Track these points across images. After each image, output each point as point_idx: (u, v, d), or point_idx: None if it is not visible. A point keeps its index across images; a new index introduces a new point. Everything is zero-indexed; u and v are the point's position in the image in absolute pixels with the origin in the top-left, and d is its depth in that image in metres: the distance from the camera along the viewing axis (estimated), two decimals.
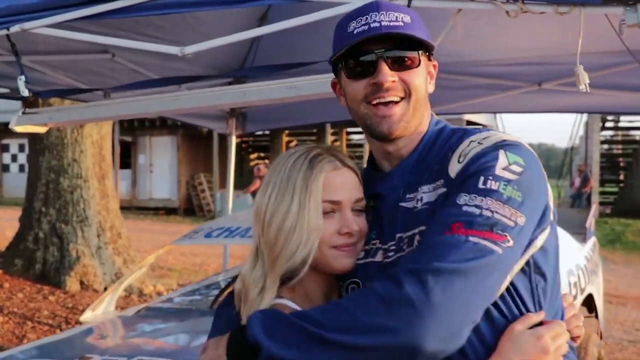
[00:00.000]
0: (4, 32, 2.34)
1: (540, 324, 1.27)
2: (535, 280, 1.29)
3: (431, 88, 1.44)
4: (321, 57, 2.13)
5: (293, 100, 2.77)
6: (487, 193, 1.22)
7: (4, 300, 6.88)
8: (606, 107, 5.41)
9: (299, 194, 1.30)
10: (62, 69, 3.72)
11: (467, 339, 1.18)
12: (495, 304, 1.24)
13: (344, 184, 1.35)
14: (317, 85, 2.53)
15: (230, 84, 4.34)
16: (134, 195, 21.44)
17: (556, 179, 20.40)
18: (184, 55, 2.36)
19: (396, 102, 1.35)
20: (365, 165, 1.54)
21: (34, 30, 2.32)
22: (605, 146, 22.08)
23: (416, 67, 1.36)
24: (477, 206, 1.20)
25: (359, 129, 19.11)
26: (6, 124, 4.33)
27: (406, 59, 1.35)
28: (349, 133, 22.06)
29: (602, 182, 20.91)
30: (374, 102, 1.35)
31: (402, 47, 1.34)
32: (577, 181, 19.20)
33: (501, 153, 1.27)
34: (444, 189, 1.29)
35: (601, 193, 20.51)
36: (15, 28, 2.32)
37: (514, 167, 1.25)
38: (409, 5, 1.89)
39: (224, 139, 14.80)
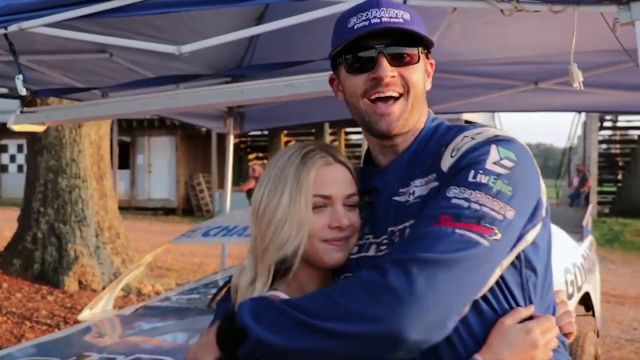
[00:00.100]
0: (2, 31, 2.34)
1: (530, 318, 1.28)
2: (526, 275, 1.29)
3: (428, 86, 1.45)
4: (318, 55, 2.15)
5: (290, 99, 2.78)
6: (477, 186, 1.22)
7: (3, 300, 6.89)
8: (602, 106, 5.42)
9: (290, 188, 1.34)
10: (60, 68, 3.72)
11: (456, 330, 1.19)
12: (484, 297, 1.24)
13: (335, 179, 1.37)
14: (314, 83, 2.54)
15: (227, 82, 4.34)
16: (132, 196, 21.43)
17: (554, 179, 20.37)
18: (181, 54, 2.37)
19: (395, 100, 1.36)
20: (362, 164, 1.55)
21: (31, 29, 2.32)
22: (604, 146, 22.12)
23: (415, 63, 1.38)
24: (465, 199, 1.21)
25: (358, 129, 19.15)
26: (4, 124, 4.33)
27: (406, 55, 1.36)
28: (347, 133, 22.07)
29: (601, 182, 20.95)
30: (373, 97, 1.37)
31: (402, 43, 1.36)
32: (576, 181, 19.21)
33: (493, 148, 1.28)
34: (436, 183, 1.30)
35: (599, 193, 20.53)
36: (13, 27, 2.32)
37: (505, 162, 1.26)
38: (404, 4, 1.90)
39: (222, 139, 14.80)
